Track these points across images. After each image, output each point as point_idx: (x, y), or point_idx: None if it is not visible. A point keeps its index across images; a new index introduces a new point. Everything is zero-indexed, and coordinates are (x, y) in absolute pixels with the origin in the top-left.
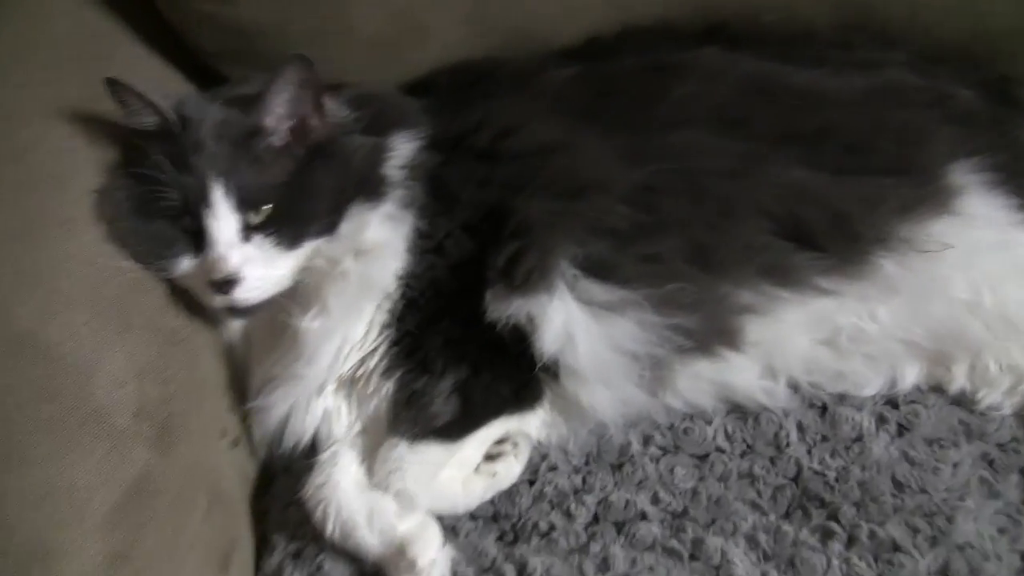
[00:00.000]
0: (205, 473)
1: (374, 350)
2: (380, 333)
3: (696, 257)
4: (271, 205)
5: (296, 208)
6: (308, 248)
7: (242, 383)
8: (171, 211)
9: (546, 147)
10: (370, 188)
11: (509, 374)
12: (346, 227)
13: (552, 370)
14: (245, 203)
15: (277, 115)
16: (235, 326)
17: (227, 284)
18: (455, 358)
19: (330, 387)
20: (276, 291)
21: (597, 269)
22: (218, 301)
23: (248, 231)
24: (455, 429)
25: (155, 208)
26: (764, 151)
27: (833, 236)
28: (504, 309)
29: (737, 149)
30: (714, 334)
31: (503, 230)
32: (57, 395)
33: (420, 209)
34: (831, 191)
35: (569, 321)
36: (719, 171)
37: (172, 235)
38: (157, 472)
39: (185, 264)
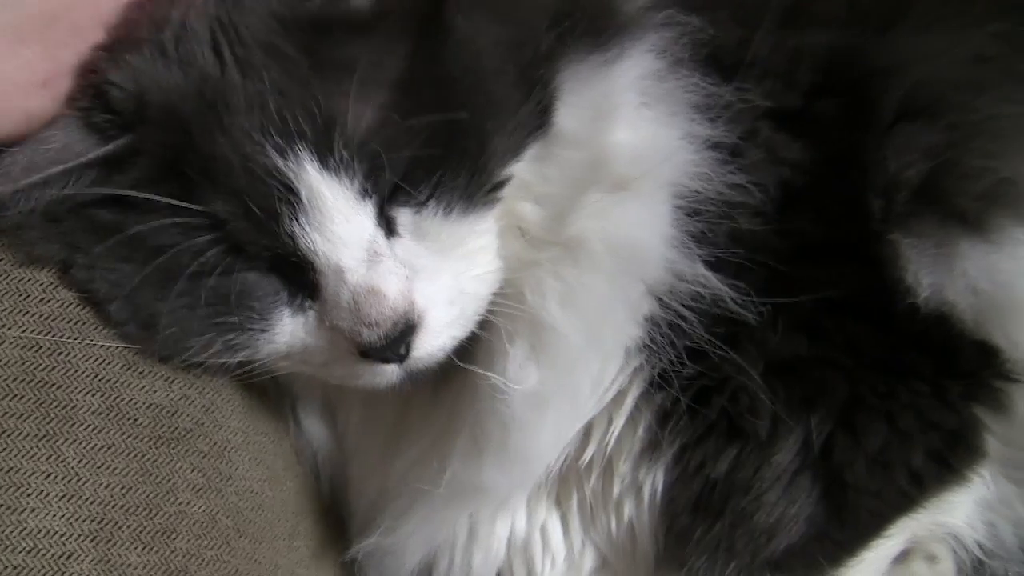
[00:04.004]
0: None
1: (617, 400)
2: (627, 364)
3: None
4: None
5: (448, 109)
6: (507, 186)
7: (340, 501)
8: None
9: None
10: (588, 20)
11: (922, 419)
12: (569, 115)
13: (1003, 397)
14: (369, 161)
15: None
16: (316, 427)
17: (400, 340)
18: (801, 399)
19: (522, 493)
20: (484, 307)
21: None
22: (385, 377)
23: (388, 211)
24: (819, 554)
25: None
26: None
27: None
28: (938, 273)
29: None
30: None
31: (874, 108)
32: None
33: (685, 83)
34: None
35: None
36: None
37: (238, 286)
38: None
39: (286, 331)
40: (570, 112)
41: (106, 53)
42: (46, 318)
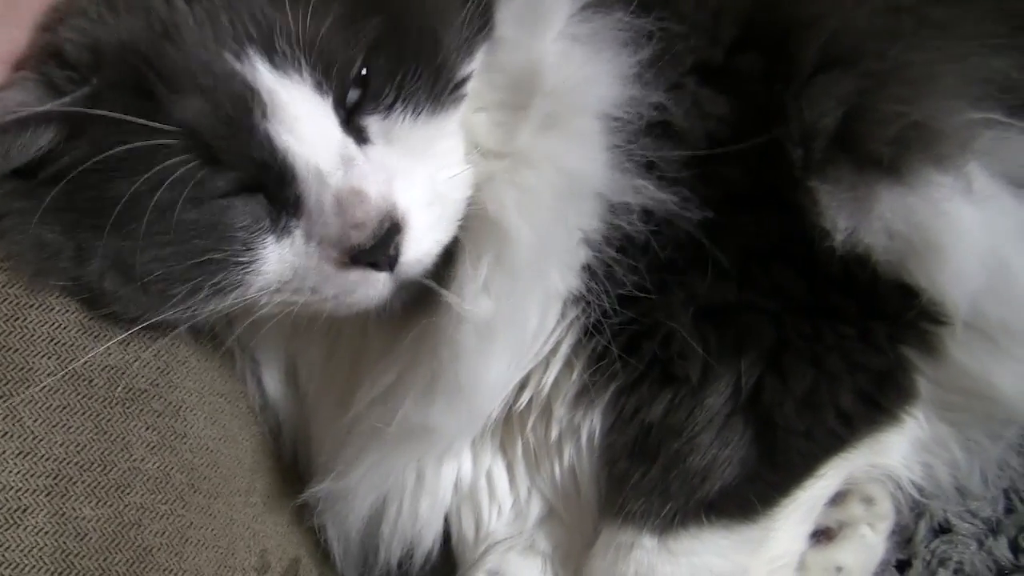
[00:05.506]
0: None
1: (554, 349)
2: (564, 317)
3: None
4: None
5: (402, 18)
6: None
7: (301, 457)
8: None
9: None
10: None
11: (849, 360)
12: (506, 19)
13: (931, 338)
14: (319, 57)
15: None
16: (278, 388)
17: (387, 240)
18: (731, 343)
19: (467, 438)
20: (462, 211)
21: None
22: (377, 289)
23: (355, 119)
24: (752, 495)
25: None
26: None
27: None
28: (855, 217)
29: None
30: None
31: (794, 60)
32: None
33: (611, 20)
34: None
35: (997, 228)
36: None
37: (214, 220)
38: None
39: (274, 258)
40: (506, 17)
41: (47, 31)
42: (3, 285)
